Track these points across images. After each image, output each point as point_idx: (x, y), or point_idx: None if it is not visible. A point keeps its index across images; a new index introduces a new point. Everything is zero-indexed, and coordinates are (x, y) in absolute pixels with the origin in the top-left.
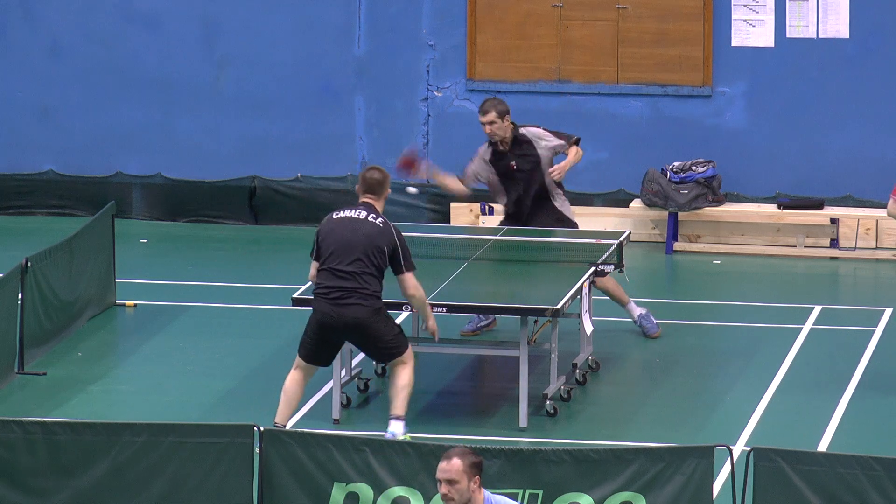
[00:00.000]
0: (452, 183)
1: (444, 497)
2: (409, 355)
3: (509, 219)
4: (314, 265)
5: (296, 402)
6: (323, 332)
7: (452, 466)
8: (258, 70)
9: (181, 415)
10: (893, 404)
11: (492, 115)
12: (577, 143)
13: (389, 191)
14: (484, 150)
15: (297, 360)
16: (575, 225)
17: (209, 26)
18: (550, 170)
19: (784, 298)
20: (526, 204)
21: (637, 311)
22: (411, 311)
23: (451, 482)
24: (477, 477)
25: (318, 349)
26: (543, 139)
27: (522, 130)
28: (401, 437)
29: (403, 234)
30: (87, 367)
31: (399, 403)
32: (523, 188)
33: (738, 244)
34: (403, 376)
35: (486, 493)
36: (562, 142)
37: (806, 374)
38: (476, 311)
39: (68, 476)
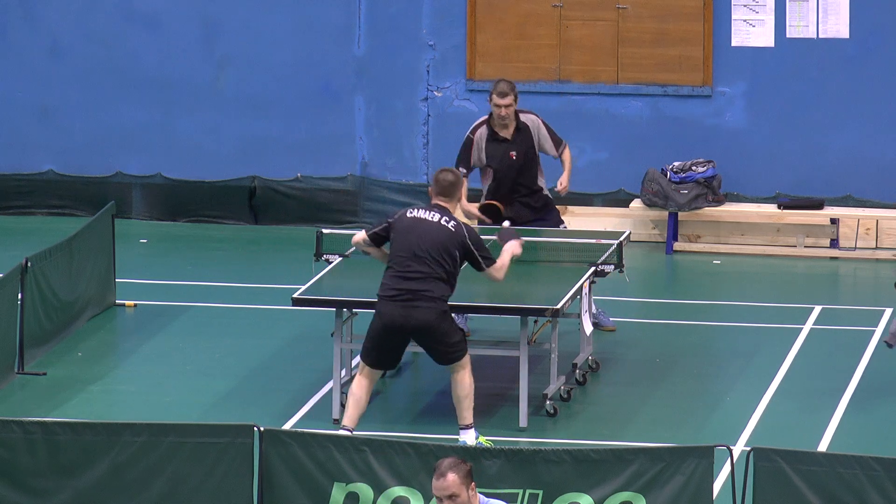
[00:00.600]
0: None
1: None
2: (467, 360)
3: (489, 207)
4: (364, 236)
5: (365, 406)
6: (389, 335)
7: (449, 482)
8: (258, 70)
9: (181, 415)
10: (893, 405)
11: (509, 99)
12: (566, 147)
13: (462, 193)
14: (480, 136)
15: (362, 366)
16: (557, 213)
17: (209, 26)
18: (560, 187)
19: (784, 298)
20: (515, 192)
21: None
22: None
23: (451, 497)
24: (472, 483)
25: (384, 353)
26: (541, 132)
27: (522, 118)
28: (473, 444)
29: None
30: (87, 367)
31: (465, 413)
32: (514, 176)
33: (738, 244)
34: (464, 385)
35: (480, 497)
36: (553, 144)
37: (806, 375)
38: (476, 311)
39: (68, 476)
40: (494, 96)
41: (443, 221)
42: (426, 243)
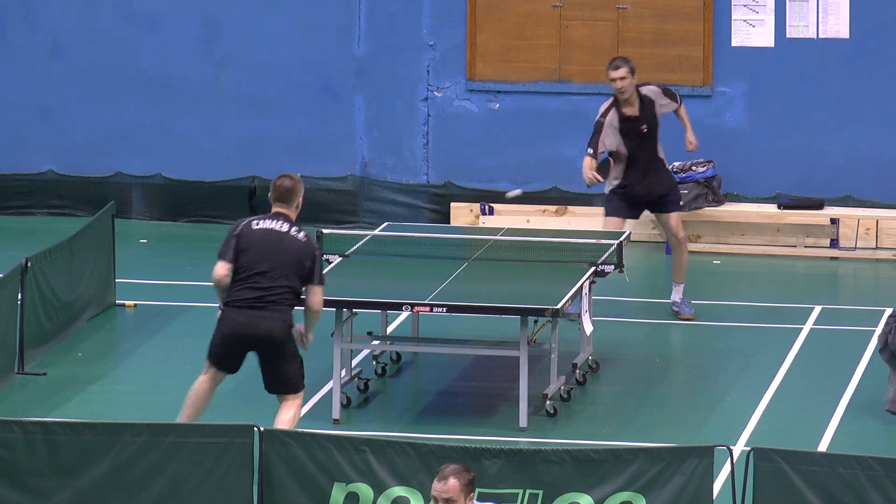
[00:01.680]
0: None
1: None
2: (300, 397)
3: (625, 188)
4: (223, 265)
5: (200, 407)
6: (234, 344)
7: (450, 486)
8: (258, 70)
9: None
10: None
11: (623, 71)
12: (681, 101)
13: (301, 199)
14: (610, 118)
15: (207, 365)
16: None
17: (209, 26)
18: (690, 146)
19: (784, 298)
20: (648, 169)
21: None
22: (411, 310)
23: (448, 501)
24: (472, 494)
25: (225, 360)
26: (661, 100)
27: (643, 90)
28: None
29: (402, 233)
30: (87, 367)
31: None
32: (647, 151)
33: (738, 244)
34: (288, 419)
35: None
36: (674, 103)
37: (806, 375)
38: (476, 311)
39: (68, 476)
40: (609, 72)
41: (292, 232)
42: (278, 255)
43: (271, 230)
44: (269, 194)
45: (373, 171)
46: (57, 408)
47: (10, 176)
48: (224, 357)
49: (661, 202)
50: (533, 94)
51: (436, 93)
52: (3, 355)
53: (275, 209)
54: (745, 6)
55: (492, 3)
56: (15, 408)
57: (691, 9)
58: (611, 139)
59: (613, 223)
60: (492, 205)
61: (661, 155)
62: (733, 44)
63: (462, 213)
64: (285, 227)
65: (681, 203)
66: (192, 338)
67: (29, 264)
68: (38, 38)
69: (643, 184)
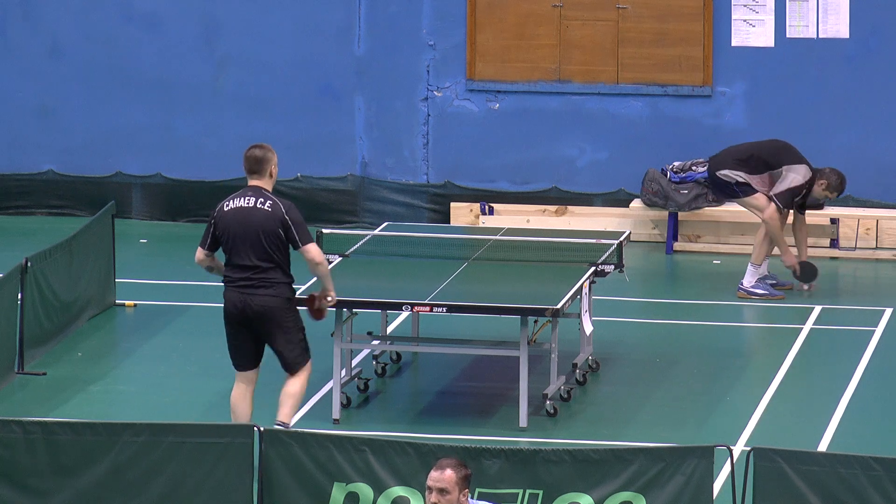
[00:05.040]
0: None
1: None
2: (309, 366)
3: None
4: (200, 251)
5: (244, 414)
6: (233, 324)
7: (446, 477)
8: (258, 70)
9: (181, 415)
10: (893, 404)
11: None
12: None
13: (275, 168)
14: None
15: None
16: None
17: (209, 26)
18: None
19: (784, 298)
20: None
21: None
22: (411, 310)
23: (442, 491)
24: (466, 490)
25: (237, 351)
26: None
27: None
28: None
29: (399, 232)
30: (87, 367)
31: (286, 411)
32: None
33: (738, 244)
34: (297, 384)
35: (471, 501)
36: None
37: (806, 374)
38: (476, 311)
39: (68, 476)
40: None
41: (258, 204)
42: (251, 231)
43: (240, 208)
44: (243, 166)
45: (373, 171)
46: (57, 408)
47: (10, 176)
48: (234, 347)
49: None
50: (532, 93)
51: (436, 93)
52: (3, 355)
53: (249, 182)
54: (745, 6)
55: (492, 3)
56: (15, 408)
57: (691, 9)
58: None
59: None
60: (492, 205)
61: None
62: (733, 44)
63: (462, 213)
64: (251, 201)
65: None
66: (192, 338)
67: (29, 264)
68: (38, 38)
69: None
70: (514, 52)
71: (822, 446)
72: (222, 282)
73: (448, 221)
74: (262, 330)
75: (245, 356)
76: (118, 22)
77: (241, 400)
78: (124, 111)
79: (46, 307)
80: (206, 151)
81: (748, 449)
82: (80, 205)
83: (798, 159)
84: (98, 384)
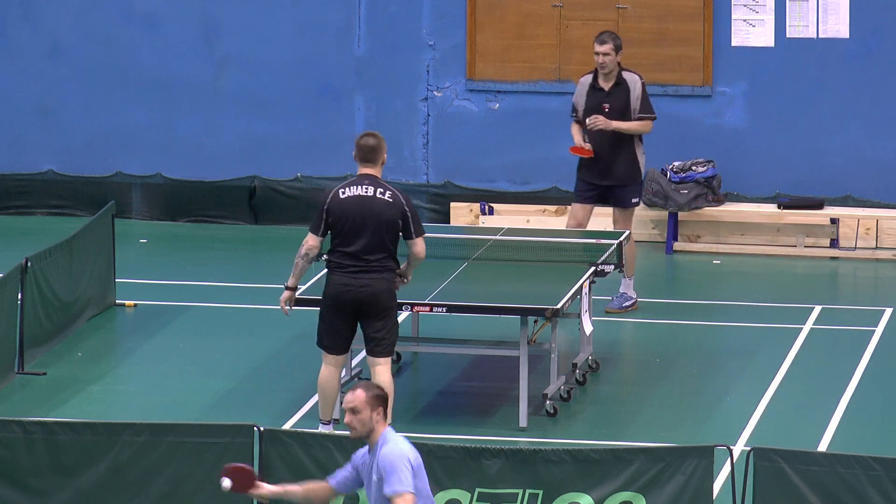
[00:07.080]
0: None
1: (348, 425)
2: (390, 360)
3: (587, 164)
4: (314, 238)
5: (332, 395)
6: (338, 307)
7: (356, 396)
8: (258, 70)
9: (181, 415)
10: (893, 404)
11: (607, 47)
12: (650, 120)
13: (386, 156)
14: (584, 81)
15: (323, 354)
16: (640, 177)
17: (209, 26)
18: (592, 118)
19: (784, 298)
20: (603, 146)
21: (624, 287)
22: (411, 310)
23: (353, 411)
24: (380, 408)
25: (332, 334)
26: (636, 91)
27: (625, 74)
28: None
29: None
30: (87, 367)
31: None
32: (606, 133)
33: (738, 244)
34: (387, 374)
35: (387, 428)
36: (641, 109)
37: (806, 374)
38: (476, 311)
39: (68, 476)
40: (595, 44)
41: (378, 194)
42: (371, 219)
43: (358, 196)
44: (354, 154)
45: None
46: (57, 408)
47: (10, 176)
48: (332, 332)
49: (616, 195)
50: (532, 93)
51: (436, 93)
52: (3, 355)
53: (360, 170)
54: (745, 6)
55: (492, 3)
56: (15, 408)
57: (691, 9)
58: (579, 97)
59: (574, 211)
60: (492, 205)
61: (635, 147)
62: (733, 44)
63: (462, 213)
64: (371, 191)
65: (635, 201)
66: (193, 338)
67: (29, 264)
68: (38, 38)
69: (596, 168)
70: (514, 52)
71: (822, 446)
72: (326, 266)
73: (448, 221)
74: (369, 313)
75: (342, 340)
76: (118, 22)
77: (331, 380)
78: (124, 111)
79: (46, 307)
80: (206, 151)
81: (748, 449)
82: (80, 205)
83: None
84: (98, 384)
